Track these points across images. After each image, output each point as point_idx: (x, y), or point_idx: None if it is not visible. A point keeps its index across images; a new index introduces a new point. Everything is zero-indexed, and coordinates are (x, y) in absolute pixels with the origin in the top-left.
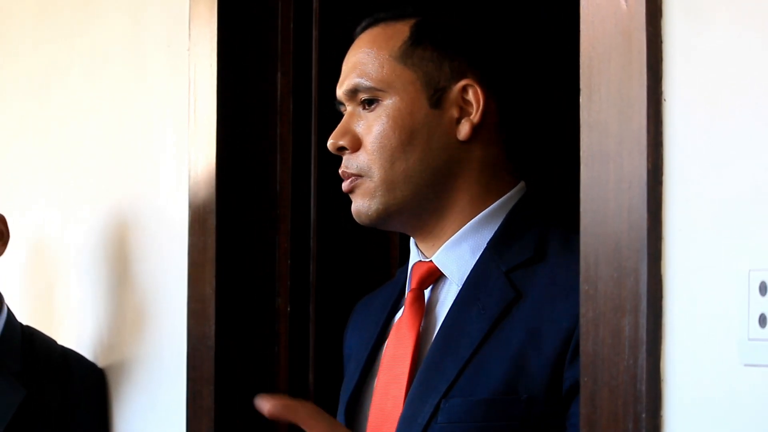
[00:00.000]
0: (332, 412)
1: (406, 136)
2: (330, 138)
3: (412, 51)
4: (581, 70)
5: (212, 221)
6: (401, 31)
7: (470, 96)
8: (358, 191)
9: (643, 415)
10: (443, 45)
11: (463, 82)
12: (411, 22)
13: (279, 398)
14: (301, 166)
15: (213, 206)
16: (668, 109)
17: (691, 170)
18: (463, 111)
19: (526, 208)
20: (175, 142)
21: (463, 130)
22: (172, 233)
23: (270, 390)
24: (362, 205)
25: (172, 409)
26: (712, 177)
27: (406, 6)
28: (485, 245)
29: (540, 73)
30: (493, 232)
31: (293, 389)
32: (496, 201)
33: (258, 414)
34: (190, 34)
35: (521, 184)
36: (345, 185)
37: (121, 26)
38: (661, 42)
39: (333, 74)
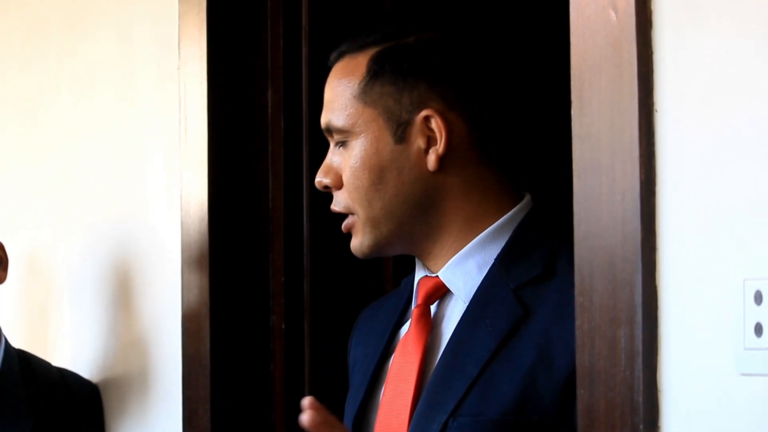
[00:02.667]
0: None
1: (375, 176)
2: (316, 176)
3: (370, 87)
4: (572, 83)
5: (205, 240)
6: (360, 65)
7: (433, 125)
8: (353, 230)
9: (641, 426)
10: (401, 75)
11: (423, 113)
12: (369, 53)
13: (320, 412)
14: (293, 183)
15: (206, 225)
16: (660, 120)
17: (684, 180)
18: (431, 140)
19: (534, 223)
20: (166, 161)
21: (431, 161)
22: (165, 253)
23: (266, 407)
24: (356, 242)
25: (169, 429)
26: (705, 187)
27: (368, 33)
28: (492, 262)
29: (522, 85)
30: (500, 249)
31: (289, 407)
32: (499, 218)
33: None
34: (179, 54)
35: (527, 199)
36: (343, 227)
37: (110, 47)
38: (651, 53)
39: (324, 91)
